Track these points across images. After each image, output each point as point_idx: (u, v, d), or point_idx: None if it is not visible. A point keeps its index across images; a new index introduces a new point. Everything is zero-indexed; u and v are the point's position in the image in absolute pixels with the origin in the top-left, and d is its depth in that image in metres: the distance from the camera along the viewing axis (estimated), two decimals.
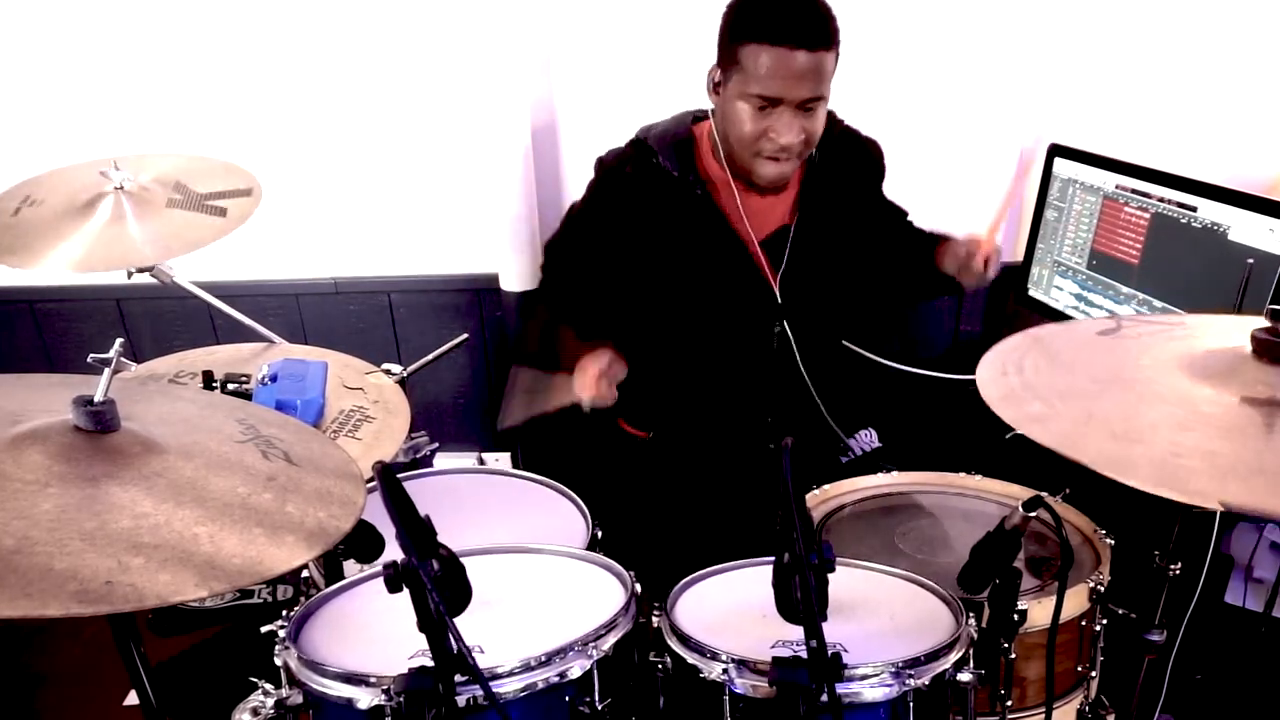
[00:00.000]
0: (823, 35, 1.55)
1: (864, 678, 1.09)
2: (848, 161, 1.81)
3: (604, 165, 1.80)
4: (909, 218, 1.94)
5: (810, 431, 1.82)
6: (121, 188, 1.75)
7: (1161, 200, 1.86)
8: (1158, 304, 1.88)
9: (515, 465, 2.53)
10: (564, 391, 1.58)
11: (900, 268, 1.86)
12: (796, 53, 1.52)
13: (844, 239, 1.80)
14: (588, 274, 1.81)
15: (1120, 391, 1.02)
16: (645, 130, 1.79)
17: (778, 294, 1.77)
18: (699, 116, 1.79)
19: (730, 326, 1.78)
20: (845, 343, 2.05)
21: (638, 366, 1.85)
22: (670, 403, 1.87)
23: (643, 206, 1.74)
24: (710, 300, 1.77)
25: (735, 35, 1.57)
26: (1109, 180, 1.99)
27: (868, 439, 1.83)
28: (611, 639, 1.15)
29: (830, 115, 1.78)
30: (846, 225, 1.80)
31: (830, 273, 1.80)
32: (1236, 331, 1.05)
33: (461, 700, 1.01)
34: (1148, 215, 1.90)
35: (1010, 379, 1.07)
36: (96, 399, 0.91)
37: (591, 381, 1.56)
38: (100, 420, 0.91)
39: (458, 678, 0.98)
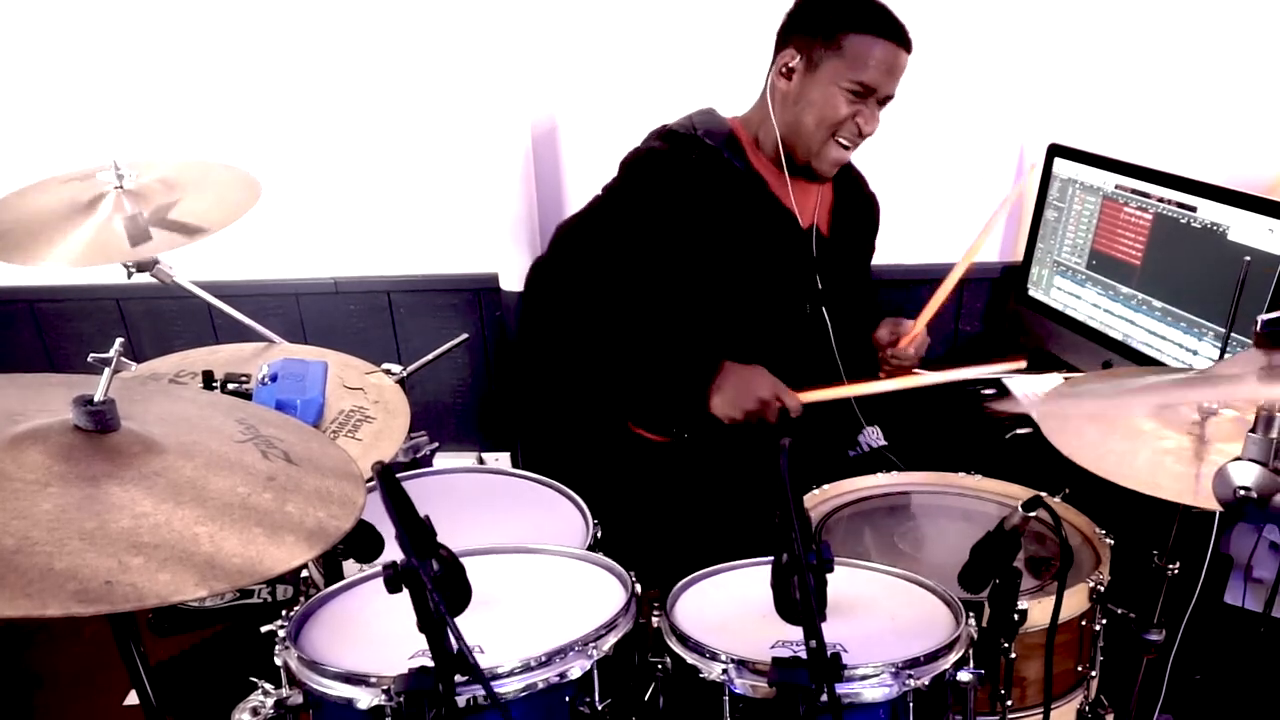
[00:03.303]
0: (910, 39, 1.68)
1: (864, 678, 1.09)
2: (859, 199, 1.96)
3: (638, 159, 1.77)
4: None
5: (827, 422, 1.82)
6: (121, 185, 1.72)
7: (1161, 200, 1.86)
8: (1157, 304, 1.88)
9: (515, 465, 2.54)
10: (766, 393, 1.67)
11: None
12: (900, 50, 1.65)
13: (855, 254, 1.94)
14: (616, 269, 1.73)
15: None
16: (681, 125, 1.77)
17: (819, 280, 1.83)
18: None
19: (774, 310, 1.82)
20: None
21: (663, 369, 1.76)
22: (695, 407, 1.75)
23: (689, 197, 1.71)
24: (760, 283, 1.78)
25: (842, 23, 1.64)
26: (1109, 180, 1.99)
27: (874, 436, 1.84)
28: (611, 639, 1.15)
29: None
30: (856, 245, 1.95)
31: (848, 274, 1.91)
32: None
33: (461, 700, 1.01)
34: (1148, 215, 1.90)
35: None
36: (96, 398, 0.91)
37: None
38: (100, 420, 0.90)
39: (458, 678, 0.99)
